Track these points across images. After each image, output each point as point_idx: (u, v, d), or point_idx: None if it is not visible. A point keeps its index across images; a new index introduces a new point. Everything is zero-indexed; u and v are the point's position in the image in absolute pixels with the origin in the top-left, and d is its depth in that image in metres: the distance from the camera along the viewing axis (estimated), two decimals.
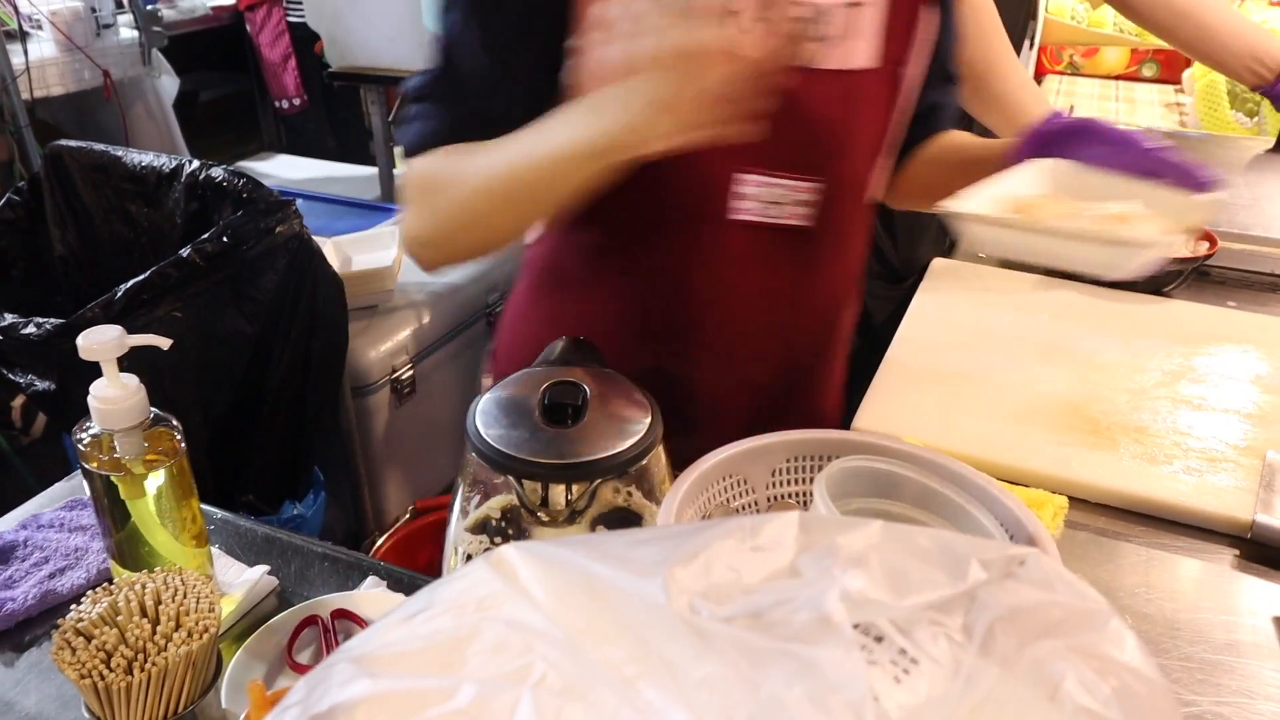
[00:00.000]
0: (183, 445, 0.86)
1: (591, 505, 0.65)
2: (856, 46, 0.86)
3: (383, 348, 1.85)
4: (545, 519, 0.65)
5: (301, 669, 0.83)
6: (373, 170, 3.16)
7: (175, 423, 0.86)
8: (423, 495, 2.03)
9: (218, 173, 1.54)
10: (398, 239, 1.95)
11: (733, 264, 0.93)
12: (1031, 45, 2.05)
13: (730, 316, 0.97)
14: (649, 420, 0.68)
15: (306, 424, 1.69)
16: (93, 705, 0.69)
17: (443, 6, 0.83)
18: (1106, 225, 0.80)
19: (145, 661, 0.68)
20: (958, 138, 1.10)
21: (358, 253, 1.94)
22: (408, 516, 1.99)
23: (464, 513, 0.72)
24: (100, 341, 0.81)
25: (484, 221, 0.81)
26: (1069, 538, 0.93)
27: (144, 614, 0.72)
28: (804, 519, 0.44)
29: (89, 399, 0.81)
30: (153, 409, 0.84)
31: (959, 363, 1.21)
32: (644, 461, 0.67)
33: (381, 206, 2.73)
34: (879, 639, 0.38)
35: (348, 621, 0.88)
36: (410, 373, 1.90)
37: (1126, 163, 0.87)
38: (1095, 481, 0.99)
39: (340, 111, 3.95)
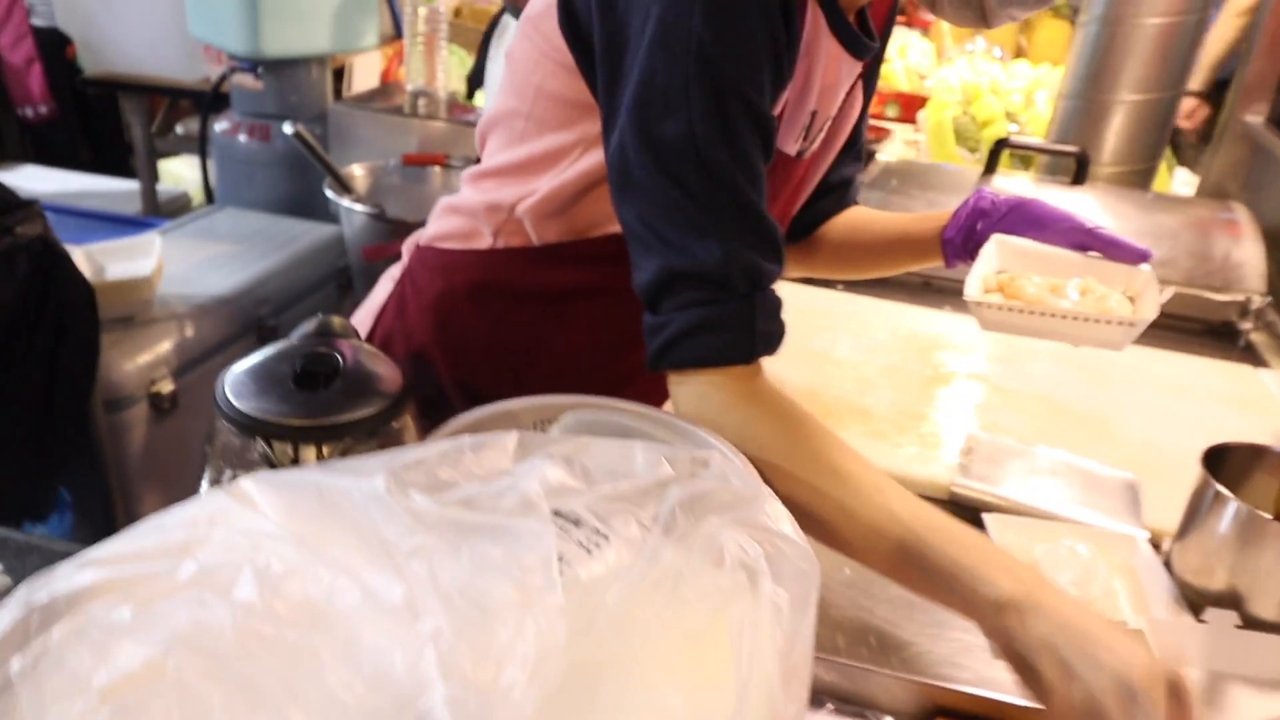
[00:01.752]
0: None
1: None
2: (818, 138, 0.94)
3: (140, 360, 1.77)
4: None
5: None
6: (133, 184, 2.99)
7: None
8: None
9: None
10: (156, 248, 1.87)
11: None
12: None
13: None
14: (400, 386, 0.72)
15: (51, 440, 1.58)
16: None
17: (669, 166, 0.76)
18: (1102, 307, 0.92)
19: None
20: (868, 213, 1.16)
21: (112, 262, 1.84)
22: None
23: (206, 484, 0.73)
24: None
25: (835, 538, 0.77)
26: None
27: None
28: (523, 437, 0.49)
29: None
30: None
31: None
32: (393, 424, 0.70)
33: (142, 221, 2.59)
34: (576, 523, 0.43)
35: None
36: (171, 387, 1.82)
37: (1070, 240, 0.98)
38: None
39: (95, 122, 3.70)
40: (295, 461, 0.68)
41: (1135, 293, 0.95)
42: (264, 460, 0.69)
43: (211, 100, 2.63)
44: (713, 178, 0.76)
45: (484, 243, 0.98)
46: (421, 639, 0.36)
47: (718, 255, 0.76)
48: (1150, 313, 0.90)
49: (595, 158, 0.89)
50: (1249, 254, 1.59)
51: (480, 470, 0.46)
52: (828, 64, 0.88)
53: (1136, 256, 0.95)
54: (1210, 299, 1.56)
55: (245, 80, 2.47)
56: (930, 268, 1.11)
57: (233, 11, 2.22)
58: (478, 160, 1.03)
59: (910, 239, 1.09)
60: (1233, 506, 0.89)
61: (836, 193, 1.12)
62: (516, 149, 0.94)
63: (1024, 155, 2.38)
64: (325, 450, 0.68)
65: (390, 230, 2.06)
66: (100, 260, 1.84)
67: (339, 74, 2.71)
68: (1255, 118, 1.99)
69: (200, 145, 2.69)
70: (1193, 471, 0.97)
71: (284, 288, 2.15)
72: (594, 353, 1.02)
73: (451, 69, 2.61)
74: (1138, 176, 2.10)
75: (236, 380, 0.70)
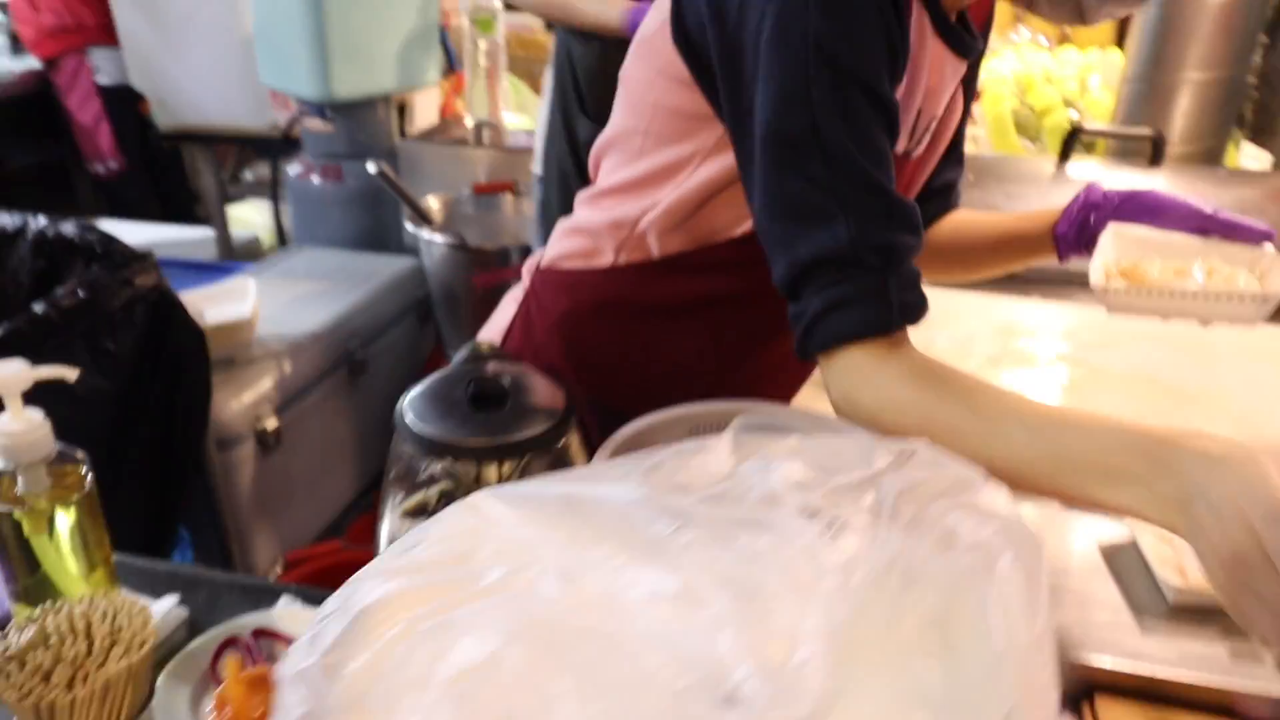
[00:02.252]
0: (90, 479, 0.86)
1: None
2: (925, 139, 0.98)
3: (245, 399, 1.83)
4: None
5: None
6: (207, 232, 3.09)
7: (81, 455, 0.86)
8: (291, 547, 2.00)
9: (68, 228, 1.50)
10: (252, 291, 1.94)
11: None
12: None
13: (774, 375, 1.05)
14: (564, 402, 0.75)
15: (171, 481, 1.65)
16: None
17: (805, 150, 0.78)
18: (1223, 284, 0.94)
19: (86, 677, 0.69)
20: (972, 214, 1.18)
21: (210, 306, 1.91)
22: (279, 570, 1.96)
23: (392, 508, 0.77)
24: (3, 375, 0.81)
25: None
26: None
27: (75, 635, 0.72)
28: (736, 437, 0.53)
29: None
30: (58, 443, 0.85)
31: None
32: (565, 439, 0.74)
33: (220, 266, 2.68)
34: (815, 513, 0.46)
35: (269, 640, 0.90)
36: (275, 424, 1.88)
37: (1188, 224, 0.99)
38: None
39: (160, 174, 3.82)
40: (477, 480, 0.72)
41: (1261, 272, 0.96)
42: (447, 480, 0.73)
43: (282, 145, 2.71)
44: (837, 164, 0.77)
45: (606, 260, 1.02)
46: (711, 624, 0.39)
47: (844, 238, 0.77)
48: (1277, 286, 0.91)
49: (713, 167, 0.92)
50: None
51: (708, 472, 0.50)
52: (932, 65, 0.91)
53: (1259, 236, 0.97)
54: None
55: (315, 124, 2.55)
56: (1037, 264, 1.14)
57: (304, 58, 2.30)
58: (589, 183, 1.08)
59: (1020, 236, 1.10)
60: None
61: (941, 196, 1.14)
62: (636, 165, 0.98)
63: (1087, 141, 2.38)
64: (505, 468, 0.72)
65: (470, 258, 2.12)
66: (199, 305, 1.91)
67: (400, 111, 2.78)
68: None
69: (272, 189, 2.77)
70: None
71: (369, 321, 2.22)
72: (715, 360, 1.05)
73: (511, 98, 2.67)
74: (1208, 155, 2.09)
75: (416, 407, 0.74)
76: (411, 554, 0.47)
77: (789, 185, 0.79)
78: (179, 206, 3.84)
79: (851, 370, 0.78)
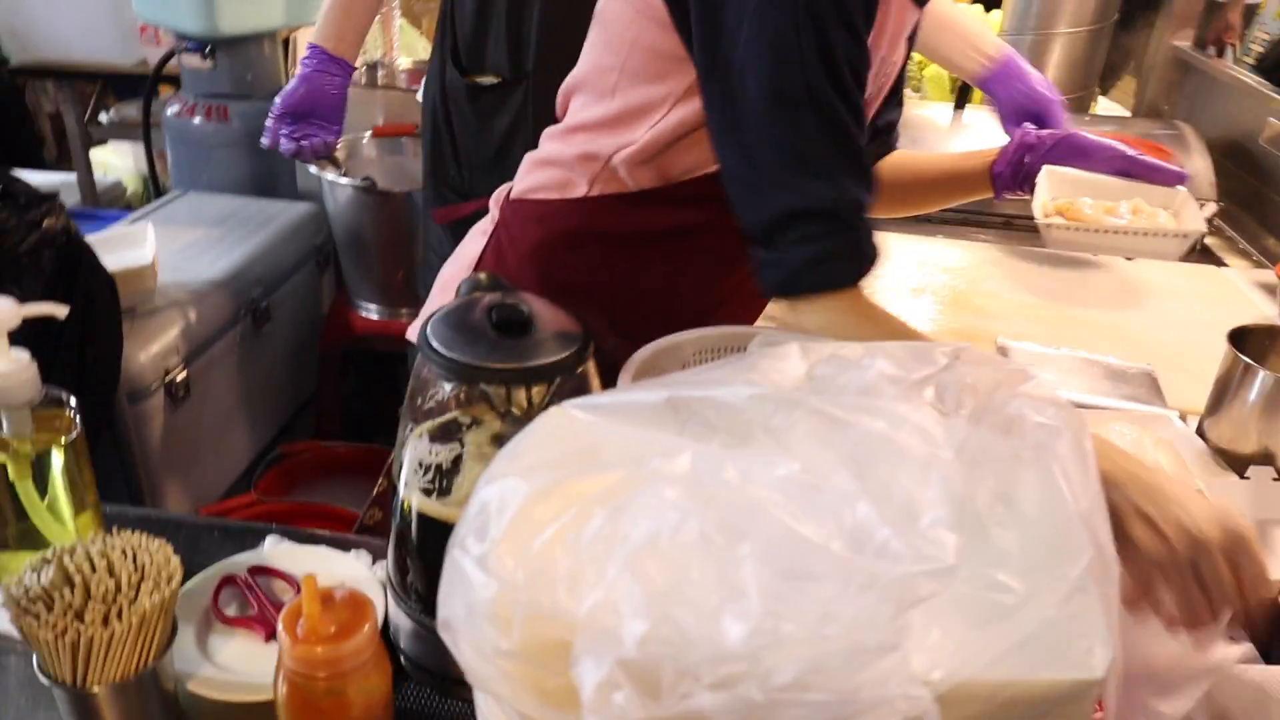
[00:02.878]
0: (79, 421, 0.83)
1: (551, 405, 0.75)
2: (885, 80, 1.02)
3: (153, 350, 1.76)
4: (518, 414, 0.73)
5: (232, 621, 0.85)
6: (67, 177, 2.89)
7: (69, 398, 0.83)
8: (202, 502, 1.94)
9: None
10: (151, 237, 1.85)
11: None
12: None
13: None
14: (584, 330, 0.78)
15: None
16: (60, 669, 0.68)
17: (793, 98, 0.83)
18: (1154, 223, 1.03)
19: (120, 613, 0.68)
20: (911, 154, 1.25)
21: (106, 253, 1.81)
22: None
23: (414, 434, 0.78)
24: None
25: None
26: None
27: (99, 574, 0.71)
28: (802, 345, 0.58)
29: None
30: (45, 385, 0.81)
31: None
32: (586, 363, 0.77)
33: (86, 213, 2.52)
34: (908, 402, 0.52)
35: (268, 577, 0.90)
36: (184, 374, 1.81)
37: (1112, 167, 1.08)
38: None
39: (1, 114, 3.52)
40: (508, 402, 0.75)
41: (1176, 210, 1.08)
42: (479, 403, 0.75)
43: (154, 83, 2.56)
44: (826, 120, 0.85)
45: (579, 191, 1.05)
46: (844, 498, 0.44)
47: (829, 193, 0.85)
48: (1198, 225, 1.03)
49: (688, 108, 0.96)
50: (1198, 166, 1.76)
51: (794, 372, 0.54)
52: (897, 11, 0.97)
53: (1175, 178, 1.08)
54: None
55: (194, 61, 2.41)
56: (966, 202, 1.23)
57: None
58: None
59: (959, 175, 1.19)
60: (1261, 376, 1.03)
61: (883, 136, 1.22)
62: (609, 102, 1.01)
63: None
64: (535, 391, 0.75)
65: (379, 202, 2.08)
66: (96, 251, 1.81)
67: (285, 48, 2.66)
68: (1183, 42, 2.17)
69: (144, 131, 2.62)
70: (1196, 356, 1.12)
71: (270, 269, 2.15)
72: (685, 287, 1.09)
73: (403, 39, 2.60)
74: (1078, 104, 2.26)
75: (440, 334, 0.75)
76: (532, 455, 0.49)
77: (781, 138, 0.85)
78: (20, 149, 3.55)
79: (835, 315, 0.89)
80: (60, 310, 0.82)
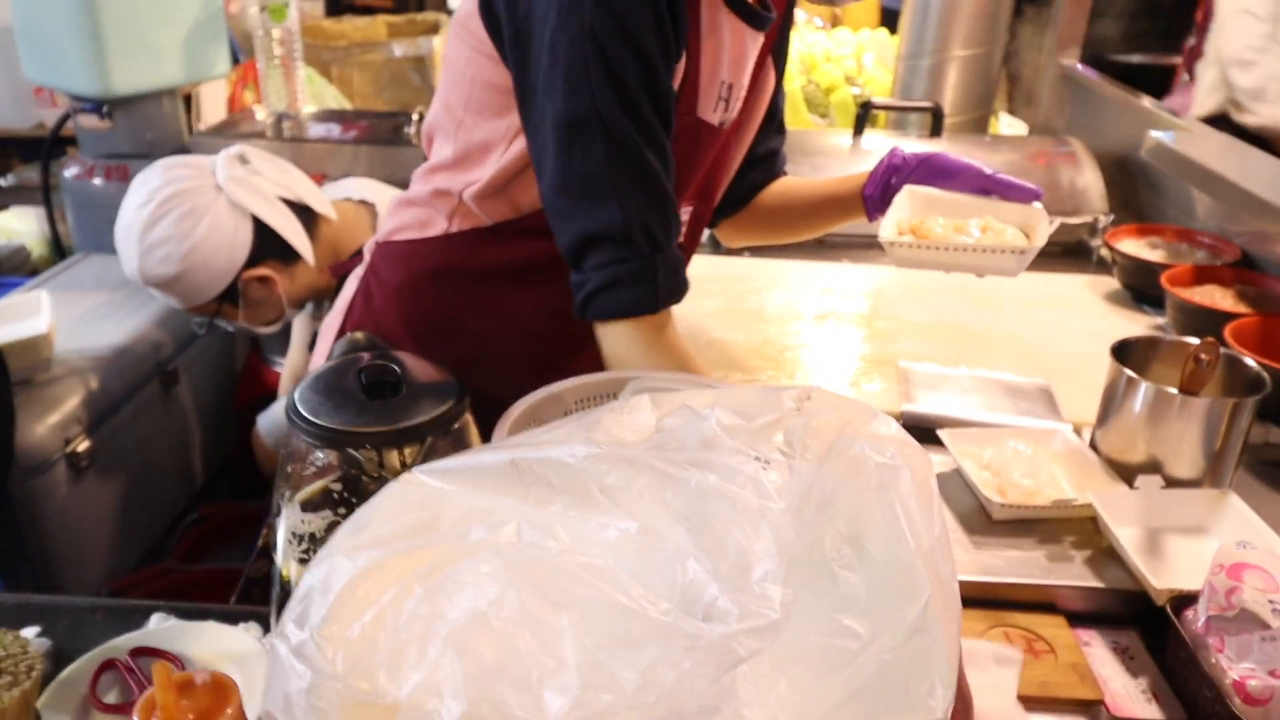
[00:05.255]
0: None
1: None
2: (736, 107, 1.04)
3: (50, 420, 1.70)
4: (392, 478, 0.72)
5: (110, 709, 0.81)
6: None
7: None
8: (114, 574, 1.88)
9: None
10: (46, 304, 1.79)
11: None
12: None
13: None
14: (457, 383, 0.78)
15: None
16: None
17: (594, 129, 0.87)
18: (999, 240, 1.05)
19: None
20: (796, 180, 1.28)
21: (3, 323, 1.76)
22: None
23: (287, 503, 0.77)
24: None
25: None
26: None
27: None
28: (653, 396, 0.57)
29: None
30: None
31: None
32: (463, 419, 0.76)
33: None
34: (745, 454, 0.52)
35: (150, 659, 0.87)
36: (87, 444, 1.76)
37: (972, 185, 1.11)
38: None
39: None
40: (381, 467, 0.73)
41: (1029, 227, 1.11)
42: (353, 469, 0.73)
43: (51, 145, 2.50)
44: (617, 146, 0.88)
45: (439, 228, 1.07)
46: (676, 556, 0.44)
47: (618, 218, 0.89)
48: (1038, 241, 1.06)
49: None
50: (1089, 180, 1.81)
51: (641, 425, 0.54)
52: (733, 37, 0.99)
53: (1029, 195, 1.11)
54: (1064, 223, 1.77)
55: (91, 121, 2.36)
56: (849, 225, 1.25)
57: (75, 50, 2.12)
58: (425, 159, 1.11)
59: (836, 199, 1.21)
60: (1143, 387, 1.06)
61: (765, 163, 1.24)
62: (458, 139, 1.03)
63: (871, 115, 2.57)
64: (408, 452, 0.73)
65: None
66: None
67: (186, 105, 2.62)
68: (1070, 60, 2.24)
69: (44, 194, 2.55)
70: (1090, 368, 1.14)
71: (178, 330, 2.09)
72: (551, 319, 1.10)
73: (306, 89, 2.57)
74: (976, 125, 2.32)
75: (307, 400, 0.74)
76: (372, 529, 0.48)
77: (574, 164, 0.88)
78: None
79: (623, 340, 0.94)
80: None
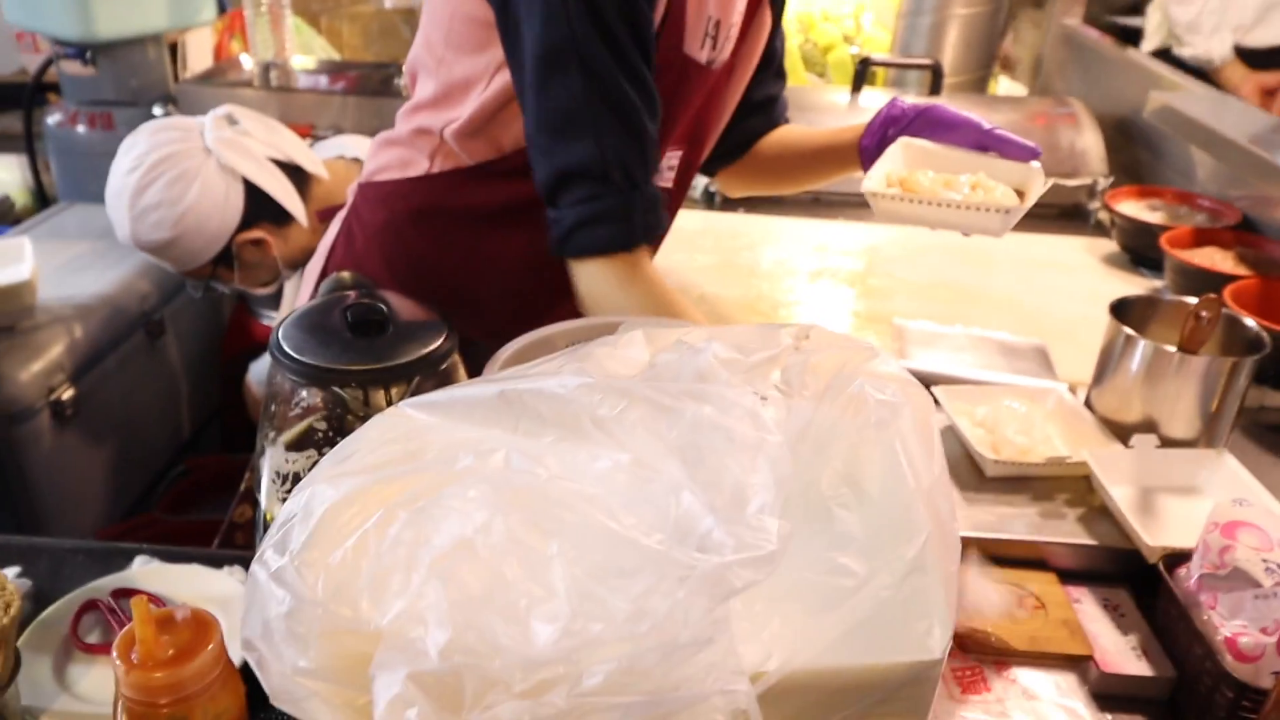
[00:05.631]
0: None
1: None
2: (726, 47, 1.01)
3: (34, 368, 1.67)
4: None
5: (92, 649, 0.80)
6: None
7: None
8: (101, 523, 1.86)
9: None
10: (28, 251, 1.76)
11: None
12: None
13: None
14: (446, 325, 0.76)
15: None
16: None
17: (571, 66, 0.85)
18: (989, 198, 1.00)
19: None
20: (797, 129, 1.24)
21: None
22: None
23: (271, 443, 0.75)
24: None
25: None
26: None
27: None
28: (646, 332, 0.56)
29: None
30: None
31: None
32: (451, 359, 0.74)
33: None
34: (741, 386, 0.50)
35: (131, 601, 0.85)
36: (72, 392, 1.74)
37: (969, 140, 1.07)
38: None
39: None
40: (367, 405, 0.72)
41: (1024, 186, 1.07)
42: (338, 408, 0.72)
43: (34, 92, 2.45)
44: (595, 77, 0.86)
45: (420, 168, 1.05)
46: (670, 487, 0.43)
47: (594, 153, 0.87)
48: (1029, 201, 1.01)
49: (508, 77, 0.96)
50: (1089, 142, 1.79)
51: (634, 359, 0.52)
52: None
53: (1027, 153, 1.08)
54: (1062, 185, 1.75)
55: (74, 67, 2.31)
56: (842, 181, 1.22)
57: None
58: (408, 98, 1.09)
59: (834, 149, 1.19)
60: (1141, 345, 1.05)
61: (763, 111, 1.21)
62: (439, 76, 1.01)
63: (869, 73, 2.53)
64: (394, 391, 0.72)
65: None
66: None
67: (172, 52, 2.56)
68: (1073, 20, 2.21)
69: (27, 142, 2.51)
70: (1086, 329, 1.12)
71: (164, 280, 2.06)
72: (531, 264, 1.08)
73: (295, 39, 2.53)
74: (975, 85, 2.29)
75: (292, 338, 0.72)
76: (356, 459, 0.47)
77: (552, 99, 0.87)
78: None
79: (597, 278, 0.92)
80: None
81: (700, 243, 1.55)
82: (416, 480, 0.42)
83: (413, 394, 0.73)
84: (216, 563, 0.90)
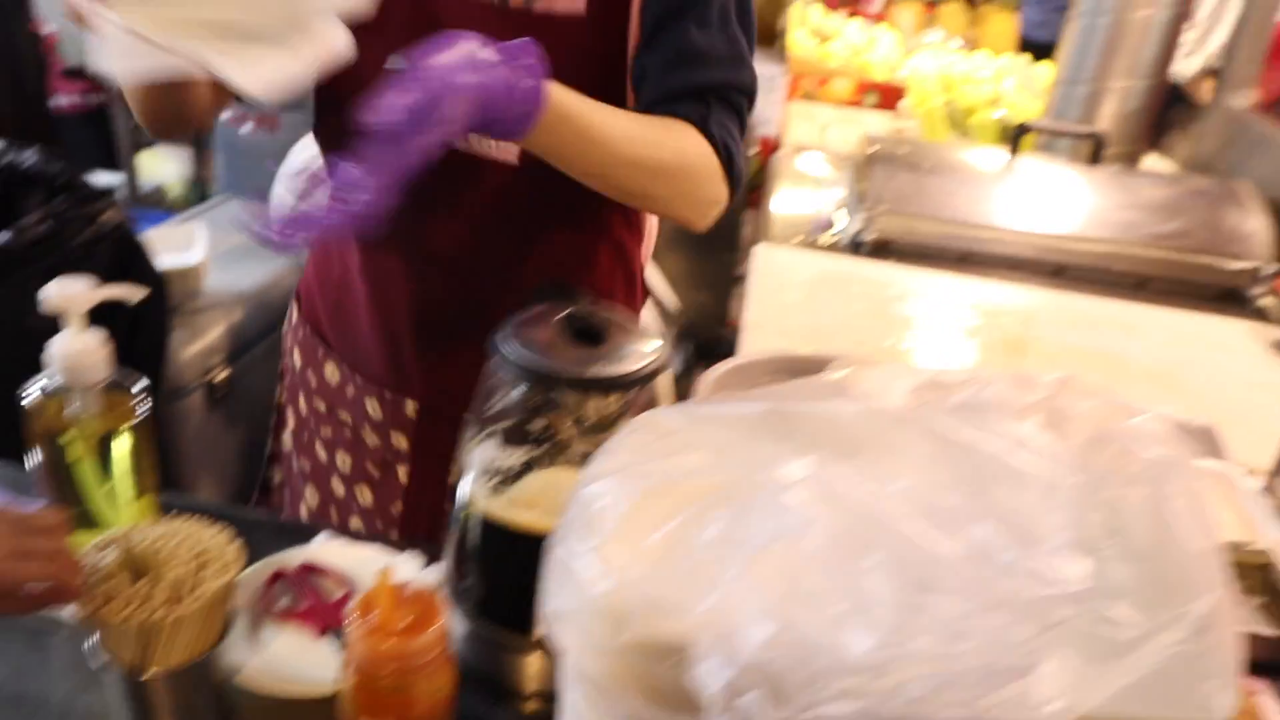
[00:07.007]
0: (148, 404, 0.83)
1: (624, 415, 0.74)
2: None
3: (195, 349, 1.76)
4: (588, 426, 0.73)
5: (284, 615, 0.84)
6: (117, 177, 2.92)
7: (137, 381, 0.83)
8: (233, 503, 1.94)
9: (29, 157, 1.41)
10: (201, 237, 1.86)
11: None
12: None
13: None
14: (659, 338, 0.78)
15: None
16: (122, 651, 0.67)
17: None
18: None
19: (183, 597, 0.67)
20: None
21: (157, 251, 1.83)
22: None
23: (486, 435, 0.78)
24: (68, 294, 0.77)
25: None
26: None
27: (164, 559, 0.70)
28: (900, 366, 0.56)
29: (52, 353, 0.78)
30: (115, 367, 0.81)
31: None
32: (662, 376, 0.76)
33: (151, 214, 2.55)
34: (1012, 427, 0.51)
35: (317, 575, 0.89)
36: (226, 374, 1.82)
37: None
38: None
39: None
40: (578, 411, 0.74)
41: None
42: (555, 411, 0.74)
43: None
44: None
45: None
46: (963, 516, 0.43)
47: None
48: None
49: None
50: (1256, 225, 1.74)
51: (891, 394, 0.53)
52: None
53: None
54: (1224, 267, 1.70)
55: None
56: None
57: None
58: None
59: None
60: None
61: (649, 95, 0.95)
62: None
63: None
64: (612, 399, 0.74)
65: None
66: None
67: None
68: (1241, 102, 2.16)
69: (195, 137, 2.65)
70: (1258, 414, 1.09)
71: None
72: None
73: None
74: (1129, 158, 2.25)
75: (516, 340, 0.74)
76: (635, 460, 0.48)
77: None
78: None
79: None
80: (135, 294, 0.82)
81: (850, 289, 1.55)
82: (718, 481, 0.43)
83: (625, 406, 0.75)
84: (393, 547, 0.93)
